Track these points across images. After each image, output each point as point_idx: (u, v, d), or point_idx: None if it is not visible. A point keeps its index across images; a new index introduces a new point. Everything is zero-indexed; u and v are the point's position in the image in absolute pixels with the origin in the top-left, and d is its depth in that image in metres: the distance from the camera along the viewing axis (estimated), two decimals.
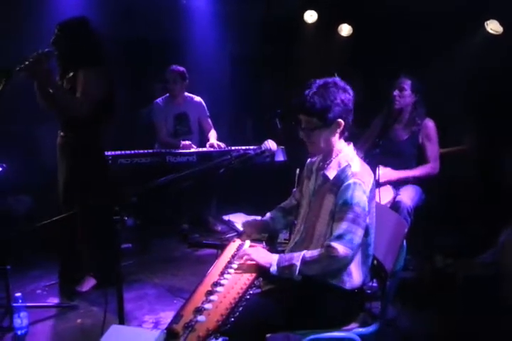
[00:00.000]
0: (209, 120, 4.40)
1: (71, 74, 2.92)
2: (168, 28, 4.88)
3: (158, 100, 4.30)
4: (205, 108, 4.39)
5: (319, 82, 1.93)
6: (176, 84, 4.18)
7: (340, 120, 1.92)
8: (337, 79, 1.95)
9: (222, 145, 4.12)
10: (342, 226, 1.83)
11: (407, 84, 3.35)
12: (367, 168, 1.99)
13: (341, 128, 1.94)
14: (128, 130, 4.76)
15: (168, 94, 4.30)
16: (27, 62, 2.61)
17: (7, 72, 2.55)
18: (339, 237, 1.82)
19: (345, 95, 1.91)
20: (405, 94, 3.35)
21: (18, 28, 4.07)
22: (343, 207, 1.85)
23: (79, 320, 2.84)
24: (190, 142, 4.10)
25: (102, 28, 2.99)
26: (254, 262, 1.90)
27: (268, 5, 5.34)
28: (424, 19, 4.20)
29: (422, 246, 3.37)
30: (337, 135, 1.96)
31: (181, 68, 4.21)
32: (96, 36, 2.94)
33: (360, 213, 1.84)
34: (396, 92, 3.36)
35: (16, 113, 4.07)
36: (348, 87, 1.95)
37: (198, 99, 4.37)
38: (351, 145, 2.03)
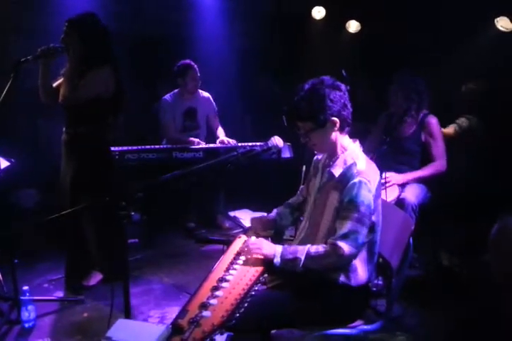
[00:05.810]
0: (217, 117, 4.38)
1: (81, 70, 2.91)
2: (176, 23, 4.87)
3: (166, 97, 4.25)
4: (214, 104, 4.37)
5: (307, 85, 1.91)
6: (196, 80, 4.15)
7: (333, 118, 1.90)
8: (325, 77, 1.92)
9: (232, 141, 4.13)
10: (347, 226, 1.83)
11: (397, 95, 3.33)
12: (373, 165, 1.98)
13: (337, 125, 1.92)
14: (137, 126, 4.77)
15: (177, 90, 4.26)
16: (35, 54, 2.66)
17: (15, 65, 2.57)
18: (344, 236, 1.82)
19: (334, 93, 1.89)
20: (398, 102, 3.33)
21: (27, 25, 4.09)
22: (349, 206, 1.85)
23: (85, 314, 2.86)
24: (198, 140, 4.10)
25: (110, 25, 2.98)
26: (258, 253, 1.90)
27: (276, 1, 5.32)
28: (433, 16, 4.16)
29: (429, 243, 3.36)
30: (335, 133, 1.94)
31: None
32: (105, 33, 2.93)
33: (365, 212, 1.84)
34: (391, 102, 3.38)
35: (22, 108, 4.09)
36: (336, 83, 1.92)
37: (206, 94, 4.35)
38: (357, 142, 2.02)
